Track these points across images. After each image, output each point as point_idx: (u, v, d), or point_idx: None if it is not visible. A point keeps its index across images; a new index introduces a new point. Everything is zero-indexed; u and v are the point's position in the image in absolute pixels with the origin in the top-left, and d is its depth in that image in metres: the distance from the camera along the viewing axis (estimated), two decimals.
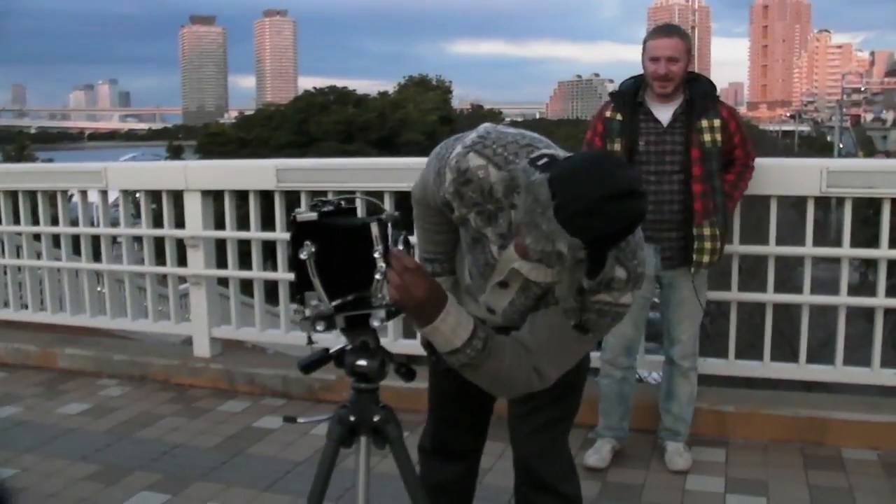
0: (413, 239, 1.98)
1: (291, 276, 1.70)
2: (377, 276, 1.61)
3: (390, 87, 54.07)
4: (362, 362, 1.76)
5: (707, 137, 3.25)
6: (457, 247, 2.06)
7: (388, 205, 4.16)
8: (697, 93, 3.29)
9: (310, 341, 1.72)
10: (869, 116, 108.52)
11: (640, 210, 1.56)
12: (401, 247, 1.63)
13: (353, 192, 4.19)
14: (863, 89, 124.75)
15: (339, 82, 53.66)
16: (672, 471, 3.40)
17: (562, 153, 1.73)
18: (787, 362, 4.00)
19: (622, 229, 1.54)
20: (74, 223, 5.09)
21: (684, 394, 3.53)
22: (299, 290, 1.65)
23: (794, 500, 3.17)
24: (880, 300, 3.75)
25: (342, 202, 1.67)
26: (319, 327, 1.67)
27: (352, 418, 1.80)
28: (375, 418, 1.79)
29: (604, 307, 1.76)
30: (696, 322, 3.48)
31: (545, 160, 1.59)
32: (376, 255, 1.60)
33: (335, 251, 1.63)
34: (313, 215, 1.64)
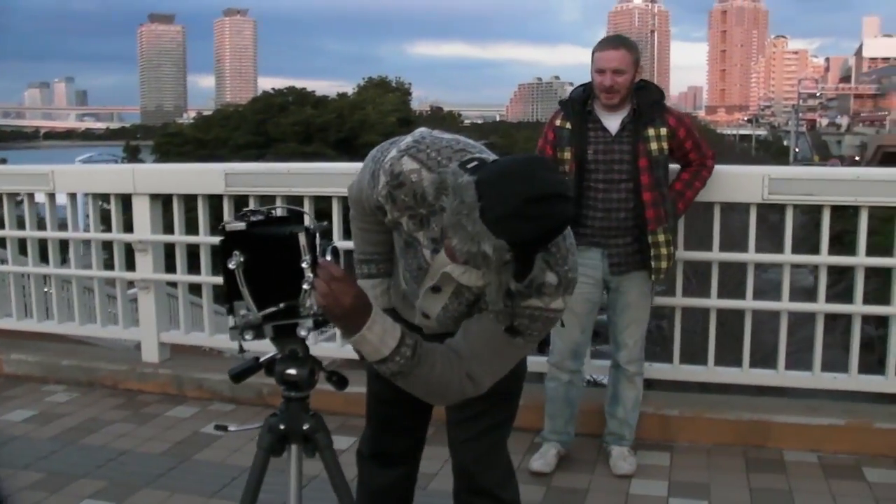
0: (345, 244, 1.98)
1: None
2: (305, 286, 1.61)
3: (350, 88, 54.02)
4: (291, 371, 1.76)
5: (654, 146, 3.30)
6: (393, 249, 2.07)
7: (336, 210, 4.16)
8: (645, 102, 3.34)
9: (241, 350, 1.72)
10: (824, 121, 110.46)
11: (566, 213, 1.58)
12: (329, 257, 1.63)
13: (301, 197, 4.18)
14: (818, 95, 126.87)
15: (300, 83, 53.41)
16: (617, 475, 3.44)
17: (493, 158, 1.75)
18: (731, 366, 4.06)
19: (547, 232, 1.56)
20: (41, 225, 5.00)
21: (629, 398, 3.57)
22: (228, 300, 1.66)
23: (735, 502, 3.23)
24: (820, 305, 3.83)
25: (272, 211, 1.68)
26: (248, 336, 1.67)
27: (282, 427, 1.80)
28: (305, 426, 1.79)
29: (535, 312, 1.77)
30: (643, 327, 3.53)
31: (475, 163, 1.62)
32: (304, 264, 1.61)
33: (263, 261, 1.64)
34: (241, 225, 1.65)
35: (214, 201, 4.47)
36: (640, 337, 3.53)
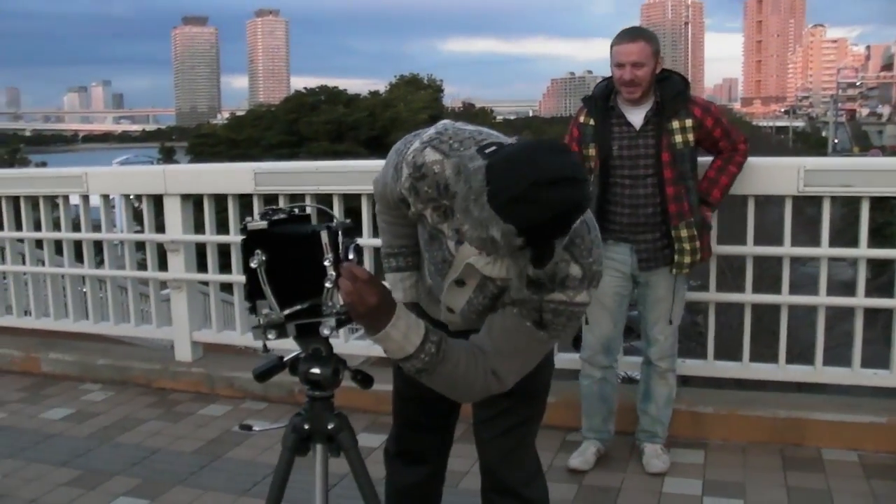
0: (374, 242, 1.96)
1: None
2: (327, 285, 1.59)
3: (382, 86, 54.10)
4: (315, 370, 1.75)
5: (678, 139, 3.24)
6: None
7: (365, 208, 4.15)
8: (668, 93, 3.28)
9: (265, 349, 1.71)
10: (865, 111, 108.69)
11: (576, 198, 1.53)
12: (352, 255, 1.62)
13: (330, 195, 4.18)
14: (858, 84, 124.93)
15: (331, 81, 53.63)
16: (649, 473, 3.39)
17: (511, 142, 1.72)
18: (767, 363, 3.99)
19: (557, 216, 1.51)
20: (76, 227, 5.07)
21: (661, 395, 3.52)
22: (251, 299, 1.64)
23: (771, 502, 3.16)
24: (859, 300, 3.74)
25: (295, 210, 1.67)
26: (271, 335, 1.66)
27: (306, 426, 1.79)
28: (329, 426, 1.77)
29: (559, 306, 1.75)
30: (674, 323, 3.48)
31: (493, 148, 1.59)
32: (326, 263, 1.59)
33: (286, 260, 1.62)
34: (263, 224, 1.63)
35: (245, 200, 4.50)
36: (672, 333, 3.48)
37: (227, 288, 4.90)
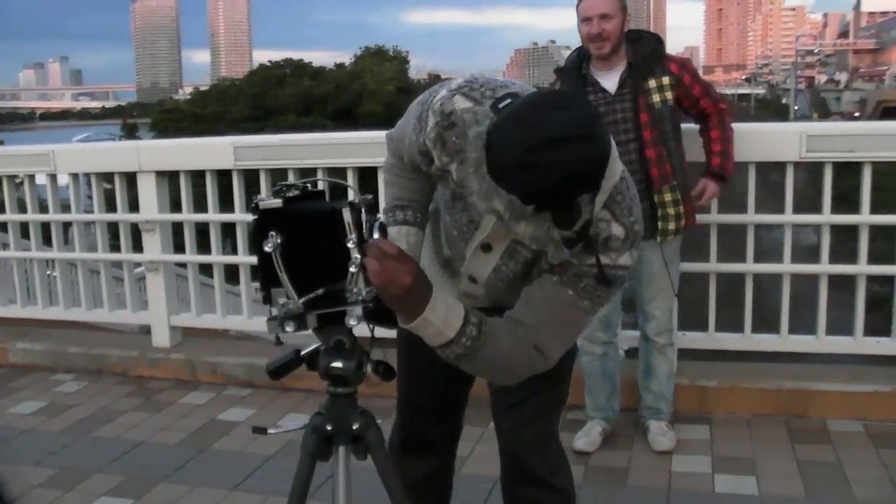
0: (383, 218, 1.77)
1: (252, 259, 1.51)
2: (351, 269, 1.42)
3: (347, 58, 53.53)
4: (338, 364, 1.56)
5: (656, 98, 3.11)
6: (430, 200, 1.88)
7: (351, 181, 3.97)
8: (642, 53, 3.15)
9: (278, 341, 1.54)
10: (823, 78, 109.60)
11: (586, 155, 1.36)
12: (376, 234, 1.44)
13: (314, 169, 3.99)
14: (816, 51, 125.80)
15: (295, 55, 53.21)
16: (656, 451, 3.29)
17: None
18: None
19: (566, 179, 1.34)
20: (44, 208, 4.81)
21: (663, 371, 3.42)
22: (265, 288, 1.46)
23: (784, 476, 3.07)
24: (861, 267, 3.66)
25: (308, 185, 1.48)
26: (289, 328, 1.47)
27: (328, 427, 1.60)
28: (355, 426, 1.59)
29: (602, 270, 1.59)
30: (670, 296, 3.36)
31: (507, 101, 1.45)
32: (350, 244, 1.42)
33: (304, 242, 1.44)
34: (277, 202, 1.44)
35: (223, 181, 4.29)
36: (669, 307, 3.37)
37: (205, 269, 4.69)
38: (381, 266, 1.43)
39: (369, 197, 1.47)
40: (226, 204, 4.29)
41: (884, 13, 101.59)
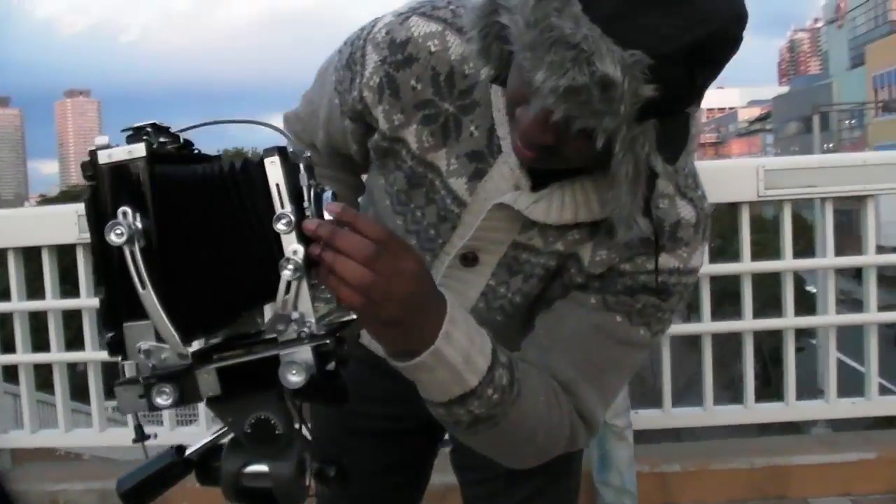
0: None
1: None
2: (288, 271, 0.73)
3: None
4: (260, 468, 0.80)
5: None
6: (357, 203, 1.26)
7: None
8: None
9: (140, 434, 0.79)
10: None
11: (737, 10, 0.82)
12: (327, 216, 0.76)
13: None
14: None
15: None
16: None
17: None
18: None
19: (711, 35, 0.79)
20: None
21: (623, 459, 2.90)
22: (111, 320, 0.72)
23: None
24: (830, 318, 3.22)
25: (194, 146, 0.77)
26: (162, 398, 0.73)
27: None
28: None
29: (668, 278, 1.01)
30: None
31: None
32: (281, 226, 0.73)
33: (190, 225, 0.73)
34: (139, 148, 0.71)
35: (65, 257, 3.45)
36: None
37: (43, 372, 3.76)
38: (373, 265, 0.74)
39: (306, 152, 0.76)
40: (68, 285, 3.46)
41: (721, 109, 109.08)
